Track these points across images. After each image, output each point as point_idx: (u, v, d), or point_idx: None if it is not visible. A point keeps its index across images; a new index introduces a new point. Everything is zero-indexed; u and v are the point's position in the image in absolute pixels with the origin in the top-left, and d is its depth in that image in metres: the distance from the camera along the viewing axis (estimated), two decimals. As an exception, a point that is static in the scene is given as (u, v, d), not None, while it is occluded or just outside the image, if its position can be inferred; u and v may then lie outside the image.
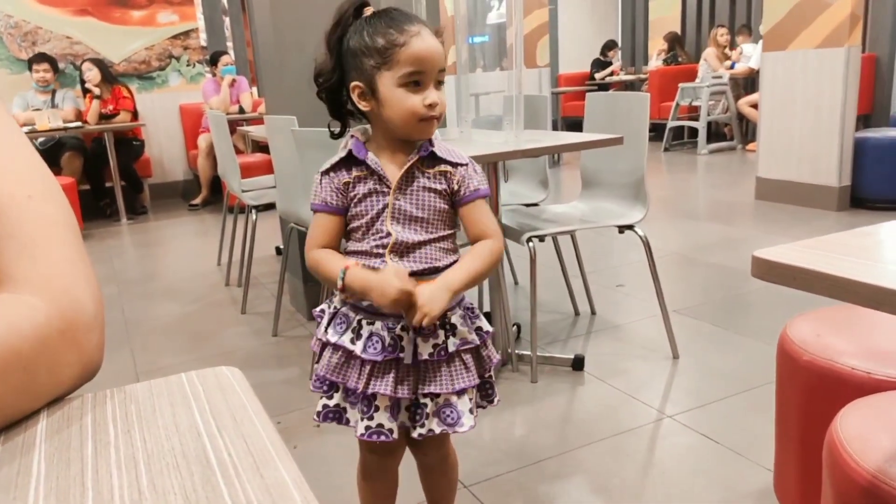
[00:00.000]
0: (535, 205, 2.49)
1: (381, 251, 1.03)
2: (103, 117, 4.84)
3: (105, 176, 5.02)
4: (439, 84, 0.99)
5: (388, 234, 1.02)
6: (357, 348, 1.02)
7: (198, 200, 5.28)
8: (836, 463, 0.96)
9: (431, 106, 0.97)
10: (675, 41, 7.42)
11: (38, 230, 0.46)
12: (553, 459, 1.61)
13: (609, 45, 7.91)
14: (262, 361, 2.32)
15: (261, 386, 2.11)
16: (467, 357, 1.05)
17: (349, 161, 1.03)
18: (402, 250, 1.03)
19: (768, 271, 0.71)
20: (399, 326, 1.02)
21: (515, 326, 2.33)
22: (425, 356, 1.02)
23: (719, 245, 3.35)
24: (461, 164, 1.03)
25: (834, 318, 1.36)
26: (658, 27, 8.04)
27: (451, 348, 1.03)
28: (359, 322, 1.04)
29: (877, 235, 0.78)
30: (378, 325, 1.02)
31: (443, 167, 1.03)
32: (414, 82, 0.96)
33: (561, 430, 1.76)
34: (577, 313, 2.54)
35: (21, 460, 0.38)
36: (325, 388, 1.07)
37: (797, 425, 1.29)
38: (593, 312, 2.53)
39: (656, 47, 7.86)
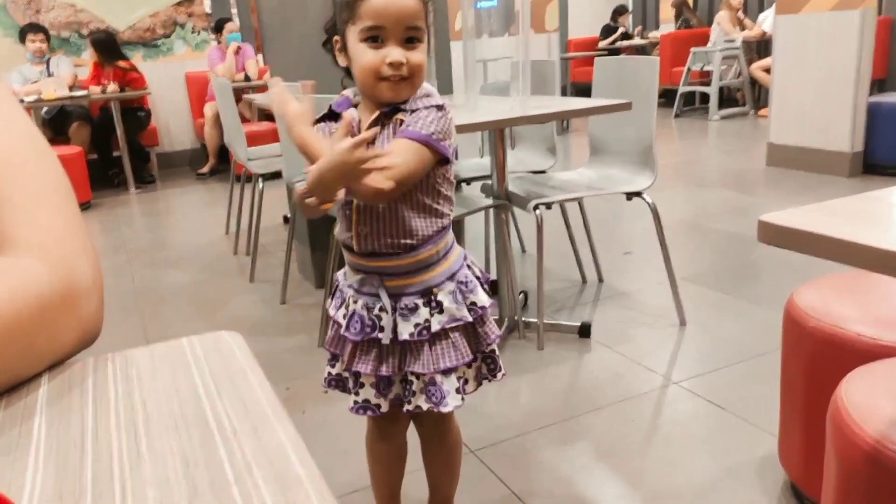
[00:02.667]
0: (543, 172, 2.47)
1: (349, 215, 0.97)
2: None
3: (113, 145, 5.01)
4: (411, 42, 0.91)
5: (350, 198, 0.95)
6: (343, 326, 1.01)
7: (205, 169, 5.28)
8: (840, 429, 0.97)
9: (393, 65, 0.89)
10: (681, 6, 7.28)
11: (35, 195, 0.46)
12: (558, 425, 1.63)
13: (620, 10, 7.76)
14: (271, 329, 2.35)
15: (269, 353, 2.13)
16: (455, 335, 0.99)
17: (332, 116, 1.00)
18: (369, 219, 0.96)
19: (775, 236, 0.70)
20: (378, 307, 0.98)
21: (522, 294, 2.34)
22: (405, 336, 0.97)
23: (729, 212, 3.32)
24: (417, 109, 0.94)
25: (841, 285, 1.35)
26: (670, -11, 7.85)
27: (436, 327, 0.97)
28: (348, 299, 1.02)
29: (886, 200, 0.76)
30: (360, 303, 1.00)
31: (401, 115, 0.94)
32: (373, 38, 0.90)
33: (567, 396, 1.77)
34: (584, 281, 2.54)
35: (22, 424, 0.38)
36: (330, 356, 1.09)
37: (802, 391, 1.29)
38: (601, 280, 2.53)
39: (668, 11, 7.70)
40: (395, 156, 0.89)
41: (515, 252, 2.78)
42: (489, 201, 2.09)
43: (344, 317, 1.01)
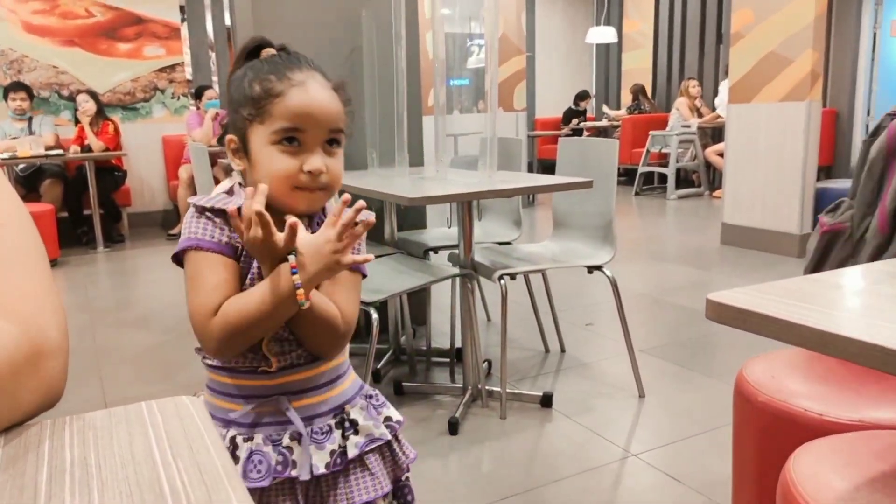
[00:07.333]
0: (508, 243, 2.54)
1: (287, 336, 0.81)
2: (84, 149, 4.85)
3: (84, 203, 4.99)
4: (332, 145, 0.79)
5: None
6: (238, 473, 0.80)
7: (176, 230, 5.26)
8: (790, 503, 0.99)
9: (313, 173, 0.76)
10: (638, 93, 7.74)
11: (8, 257, 0.48)
12: (519, 496, 1.62)
13: (582, 95, 8.12)
14: (231, 395, 2.30)
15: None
16: (372, 460, 0.85)
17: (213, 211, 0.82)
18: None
19: (721, 314, 0.75)
20: (287, 436, 0.81)
21: (486, 362, 2.35)
22: (322, 469, 0.80)
23: (685, 287, 3.42)
24: None
25: (790, 360, 1.40)
26: (631, 77, 8.32)
27: (353, 452, 0.82)
28: (231, 440, 0.80)
29: (826, 282, 0.82)
30: (259, 438, 0.80)
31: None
32: (288, 140, 0.77)
33: (528, 466, 1.77)
34: (546, 351, 2.57)
35: (-24, 485, 0.38)
36: None
37: (753, 465, 1.32)
38: (563, 350, 2.56)
39: (628, 96, 8.14)
40: (347, 299, 0.81)
41: (480, 321, 2.81)
42: (455, 270, 2.13)
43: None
